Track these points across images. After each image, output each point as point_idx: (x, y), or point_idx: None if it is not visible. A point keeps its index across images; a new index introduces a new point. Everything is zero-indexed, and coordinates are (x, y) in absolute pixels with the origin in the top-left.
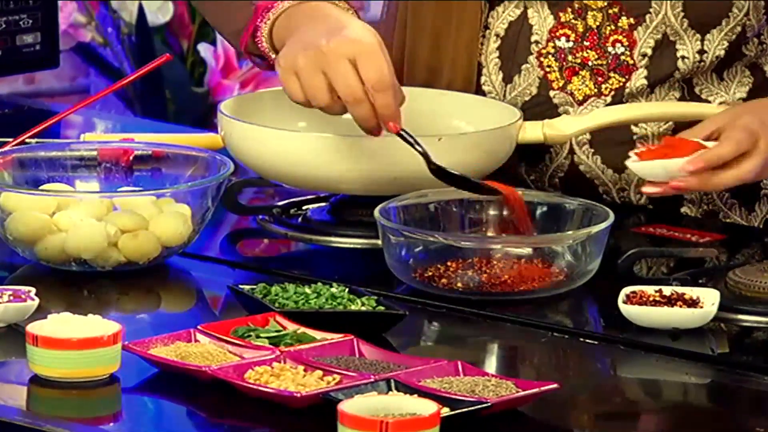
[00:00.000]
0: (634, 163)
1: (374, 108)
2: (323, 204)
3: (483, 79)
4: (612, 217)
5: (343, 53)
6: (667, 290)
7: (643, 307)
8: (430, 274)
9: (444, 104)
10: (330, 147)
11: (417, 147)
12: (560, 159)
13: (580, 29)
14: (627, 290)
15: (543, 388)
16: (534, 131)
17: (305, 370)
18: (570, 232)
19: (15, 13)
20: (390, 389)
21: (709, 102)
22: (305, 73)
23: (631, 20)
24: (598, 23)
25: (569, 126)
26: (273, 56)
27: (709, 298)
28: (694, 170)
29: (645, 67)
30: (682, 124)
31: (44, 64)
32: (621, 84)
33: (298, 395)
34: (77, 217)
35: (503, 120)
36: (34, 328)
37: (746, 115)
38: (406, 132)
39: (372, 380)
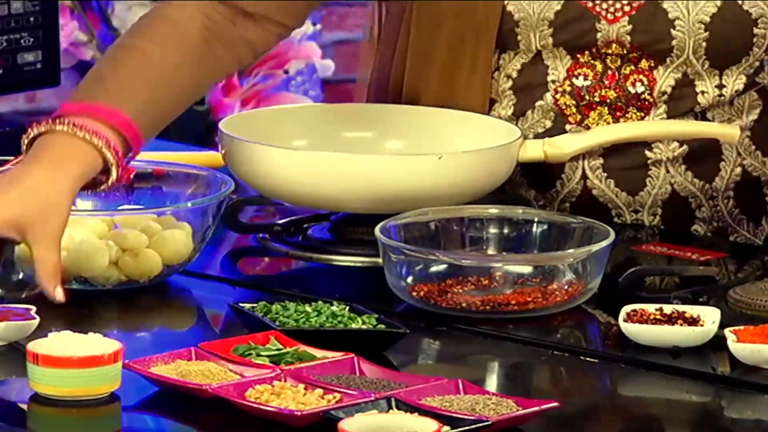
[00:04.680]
0: (734, 344)
1: None
2: (324, 222)
3: (494, 113)
4: (612, 235)
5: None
6: (667, 308)
7: (644, 326)
8: (431, 292)
9: (444, 123)
10: (330, 165)
11: None
12: (572, 184)
13: (599, 69)
14: (627, 308)
15: (543, 407)
16: (534, 149)
17: (306, 389)
18: (571, 251)
19: (16, 32)
20: (391, 408)
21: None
22: None
23: (651, 62)
24: (617, 65)
25: (570, 144)
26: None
27: (710, 317)
28: None
29: (665, 103)
30: (693, 146)
31: (45, 82)
32: (639, 118)
33: (299, 414)
34: (78, 236)
35: (503, 138)
36: (34, 346)
37: None
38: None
39: (373, 399)
